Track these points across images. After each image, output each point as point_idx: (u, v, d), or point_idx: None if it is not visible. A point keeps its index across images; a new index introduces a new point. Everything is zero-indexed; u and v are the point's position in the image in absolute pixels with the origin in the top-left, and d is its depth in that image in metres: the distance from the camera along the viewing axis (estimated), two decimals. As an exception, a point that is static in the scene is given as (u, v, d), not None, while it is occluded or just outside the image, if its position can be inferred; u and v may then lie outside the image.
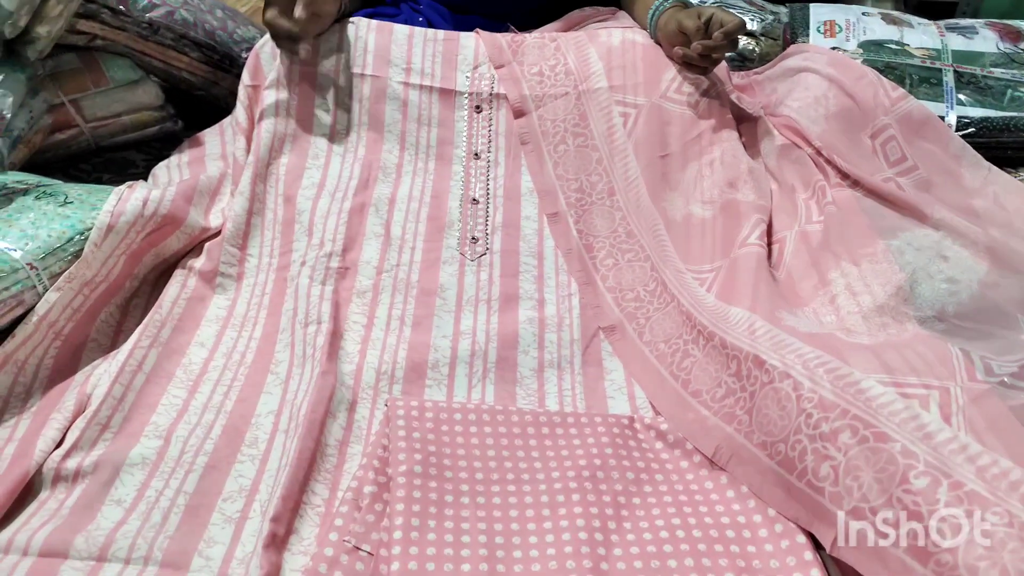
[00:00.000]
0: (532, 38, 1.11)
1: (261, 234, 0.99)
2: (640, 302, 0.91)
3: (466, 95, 1.08)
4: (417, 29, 1.10)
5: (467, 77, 1.08)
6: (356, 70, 1.06)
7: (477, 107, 1.07)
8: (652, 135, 1.03)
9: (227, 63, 1.29)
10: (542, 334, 0.89)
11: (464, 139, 1.07)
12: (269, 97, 1.04)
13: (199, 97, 1.33)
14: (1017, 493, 0.58)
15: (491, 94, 1.07)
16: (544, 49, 1.09)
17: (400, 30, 1.09)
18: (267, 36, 1.08)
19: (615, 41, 1.09)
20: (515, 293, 0.94)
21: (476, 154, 1.06)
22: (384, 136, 1.06)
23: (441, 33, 1.10)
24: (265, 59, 1.07)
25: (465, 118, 1.07)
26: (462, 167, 1.05)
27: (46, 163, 1.16)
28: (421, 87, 1.07)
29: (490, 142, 1.06)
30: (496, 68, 1.08)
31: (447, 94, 1.07)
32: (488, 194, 1.03)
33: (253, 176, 1.01)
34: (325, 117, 1.05)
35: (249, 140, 1.06)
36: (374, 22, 1.09)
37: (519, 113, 1.07)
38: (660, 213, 0.98)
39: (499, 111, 1.07)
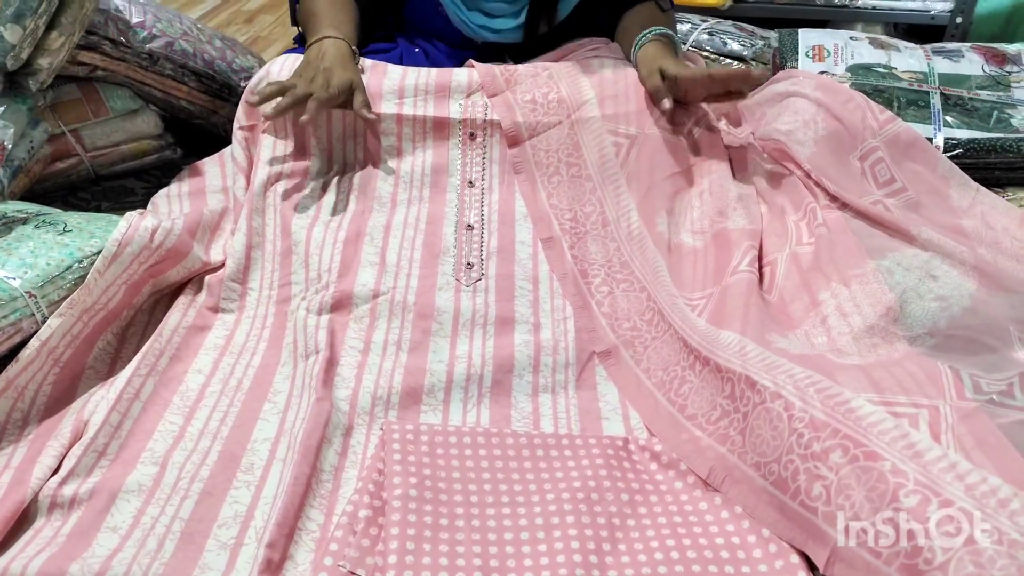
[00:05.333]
0: (525, 68, 1.12)
1: (261, 267, 1.00)
2: (637, 331, 0.92)
3: (459, 122, 1.09)
4: (411, 68, 1.11)
5: (460, 105, 1.09)
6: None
7: (471, 134, 1.09)
8: (644, 165, 1.04)
9: (226, 92, 1.31)
10: (538, 357, 0.90)
11: (458, 167, 1.08)
12: (267, 135, 1.05)
13: (198, 126, 1.35)
14: (1006, 511, 0.58)
15: (485, 121, 1.08)
16: (537, 78, 1.11)
17: (394, 69, 1.10)
18: (260, 73, 1.10)
19: (607, 71, 1.10)
20: (511, 317, 0.94)
21: (470, 182, 1.07)
22: (379, 166, 1.07)
23: (434, 70, 1.11)
24: None
25: (459, 145, 1.09)
26: (456, 195, 1.06)
27: (45, 192, 1.18)
28: (415, 117, 1.08)
29: (484, 170, 1.08)
30: (489, 96, 1.09)
31: (441, 122, 1.08)
32: (483, 220, 1.04)
33: (249, 212, 1.02)
34: (320, 150, 1.06)
35: (248, 179, 1.08)
36: (368, 61, 1.11)
37: (513, 142, 1.08)
38: (653, 239, 0.99)
39: (493, 138, 1.09)
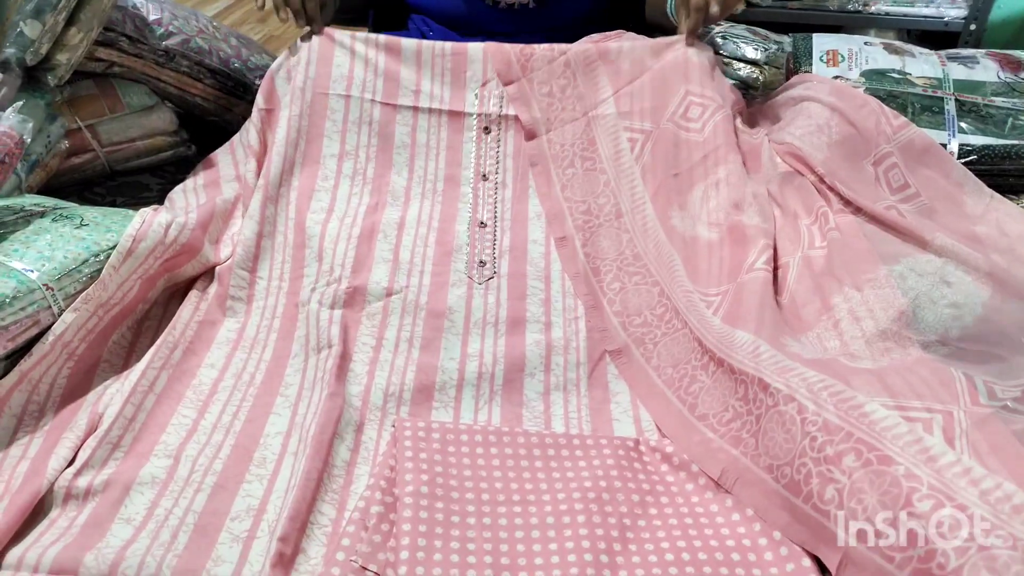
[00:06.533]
0: (541, 51, 1.11)
1: (271, 257, 1.01)
2: (648, 327, 0.92)
3: (475, 116, 1.09)
4: (425, 43, 1.11)
5: (475, 95, 1.09)
6: (367, 96, 1.08)
7: (486, 128, 1.09)
8: (658, 158, 1.04)
9: (241, 90, 1.31)
10: (549, 357, 0.90)
11: (472, 160, 1.08)
12: (281, 120, 1.06)
13: (212, 123, 1.35)
14: (1020, 516, 0.58)
15: (500, 115, 1.09)
16: (553, 64, 1.10)
17: (408, 47, 1.10)
18: (281, 58, 1.11)
19: (624, 63, 1.10)
20: (522, 316, 0.95)
21: (484, 175, 1.08)
22: (393, 159, 1.08)
23: (448, 46, 1.11)
24: (280, 83, 1.09)
25: (473, 139, 1.09)
26: (470, 189, 1.07)
27: (61, 186, 1.18)
28: (431, 110, 1.09)
29: (498, 163, 1.08)
30: (505, 84, 1.09)
31: (456, 116, 1.09)
32: (496, 217, 1.05)
33: (263, 199, 1.02)
34: (335, 140, 1.07)
35: (260, 163, 1.08)
36: (383, 38, 1.11)
37: (530, 135, 1.08)
38: (667, 232, 0.99)
39: (507, 132, 1.09)
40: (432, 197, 1.06)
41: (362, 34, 1.11)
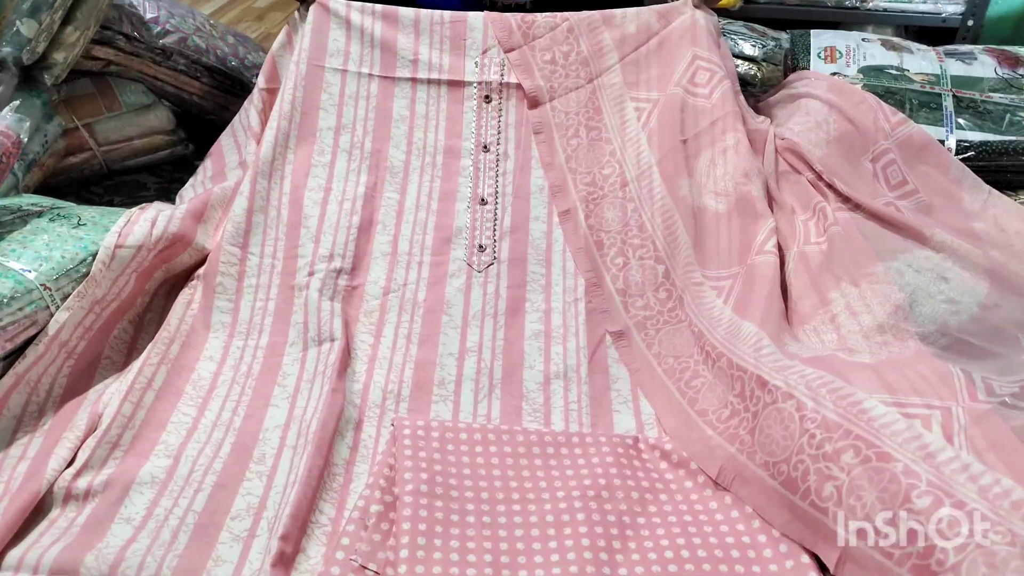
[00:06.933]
0: (543, 17, 1.09)
1: (263, 233, 0.99)
2: (650, 310, 0.91)
3: (475, 84, 1.07)
4: (423, 11, 1.09)
5: (476, 64, 1.08)
6: (364, 70, 1.07)
7: (486, 97, 1.07)
8: (664, 123, 1.02)
9: (238, 88, 1.31)
10: (548, 347, 0.90)
11: (473, 131, 1.06)
12: (277, 96, 1.05)
13: (210, 121, 1.35)
14: (1019, 512, 0.58)
15: (501, 84, 1.07)
16: (556, 31, 1.08)
17: (406, 15, 1.08)
18: (282, 37, 1.09)
19: (630, 27, 1.07)
20: (521, 306, 0.94)
21: (485, 146, 1.06)
22: (391, 132, 1.06)
23: (448, 14, 1.09)
24: (281, 63, 1.08)
25: (474, 108, 1.07)
26: (471, 160, 1.05)
27: (59, 186, 1.18)
28: (429, 81, 1.07)
29: (499, 133, 1.06)
30: (506, 52, 1.07)
31: (456, 85, 1.07)
32: (497, 192, 1.03)
33: (254, 174, 1.01)
34: (332, 113, 1.05)
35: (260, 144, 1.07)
36: (379, 7, 1.09)
37: (533, 104, 1.06)
38: (676, 203, 0.97)
39: (509, 101, 1.07)
40: (431, 171, 1.04)
41: (358, 3, 1.09)
